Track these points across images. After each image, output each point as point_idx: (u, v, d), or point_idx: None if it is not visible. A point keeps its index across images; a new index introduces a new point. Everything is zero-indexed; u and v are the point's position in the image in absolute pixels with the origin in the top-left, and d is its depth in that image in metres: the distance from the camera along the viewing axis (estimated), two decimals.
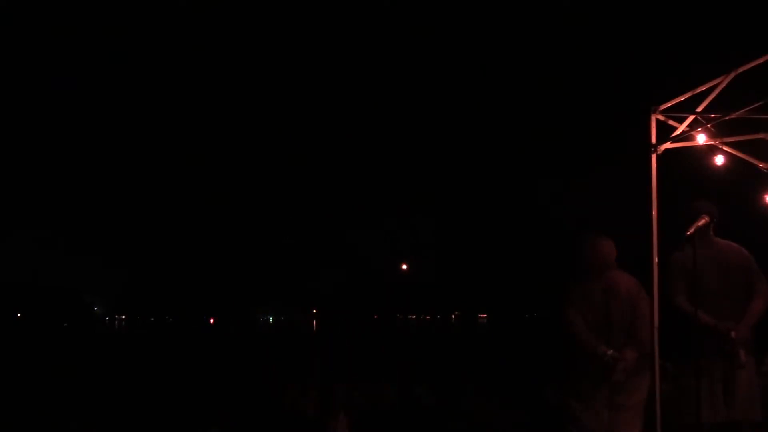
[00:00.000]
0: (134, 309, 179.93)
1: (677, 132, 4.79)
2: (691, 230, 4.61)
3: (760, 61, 4.13)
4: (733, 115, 4.36)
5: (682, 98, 4.67)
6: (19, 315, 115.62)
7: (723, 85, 4.43)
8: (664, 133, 4.83)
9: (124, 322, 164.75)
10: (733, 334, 4.60)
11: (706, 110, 4.65)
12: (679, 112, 4.79)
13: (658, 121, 4.81)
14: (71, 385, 7.36)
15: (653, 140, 4.76)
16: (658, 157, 4.76)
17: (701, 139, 4.87)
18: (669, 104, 4.75)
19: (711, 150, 4.97)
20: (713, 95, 4.52)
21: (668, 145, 4.79)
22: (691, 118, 4.75)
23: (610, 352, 4.41)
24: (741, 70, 4.31)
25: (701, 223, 4.79)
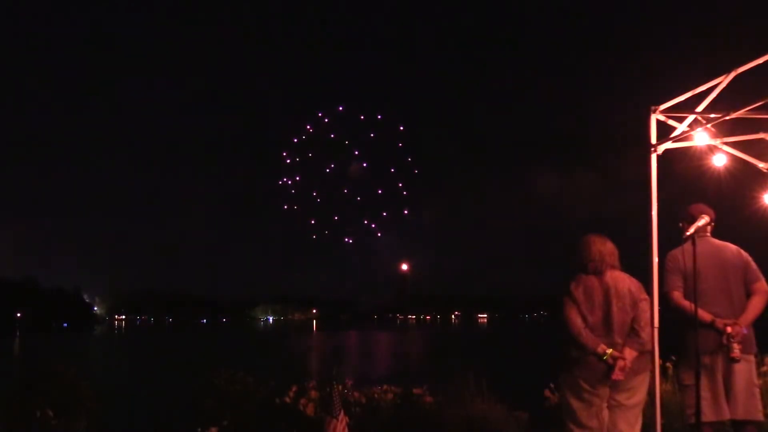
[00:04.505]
0: (134, 309, 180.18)
1: (677, 132, 4.79)
2: (692, 230, 4.62)
3: (760, 61, 4.13)
4: (733, 115, 4.36)
5: (682, 98, 4.67)
6: (19, 315, 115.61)
7: (723, 85, 4.43)
8: (664, 133, 4.83)
9: (123, 323, 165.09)
10: (728, 329, 4.61)
11: (706, 110, 4.65)
12: (679, 112, 4.79)
13: (658, 121, 4.81)
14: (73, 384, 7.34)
15: (653, 140, 4.76)
16: (658, 157, 4.76)
17: (701, 139, 4.87)
18: (669, 104, 4.75)
19: (711, 150, 4.97)
20: (713, 95, 4.52)
21: (668, 145, 4.79)
22: (691, 118, 4.75)
23: (610, 351, 4.42)
24: (741, 70, 4.31)
25: (701, 223, 4.80)
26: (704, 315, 4.68)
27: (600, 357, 4.42)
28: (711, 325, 4.69)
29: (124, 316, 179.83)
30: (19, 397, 6.98)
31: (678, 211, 5.06)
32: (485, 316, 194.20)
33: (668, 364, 6.35)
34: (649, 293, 4.64)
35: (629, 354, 4.43)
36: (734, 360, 4.60)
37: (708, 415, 4.59)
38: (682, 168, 5.04)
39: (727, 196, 5.17)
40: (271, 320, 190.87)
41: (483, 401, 7.03)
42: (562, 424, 4.71)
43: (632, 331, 4.47)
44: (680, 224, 4.97)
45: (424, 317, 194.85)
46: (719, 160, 4.97)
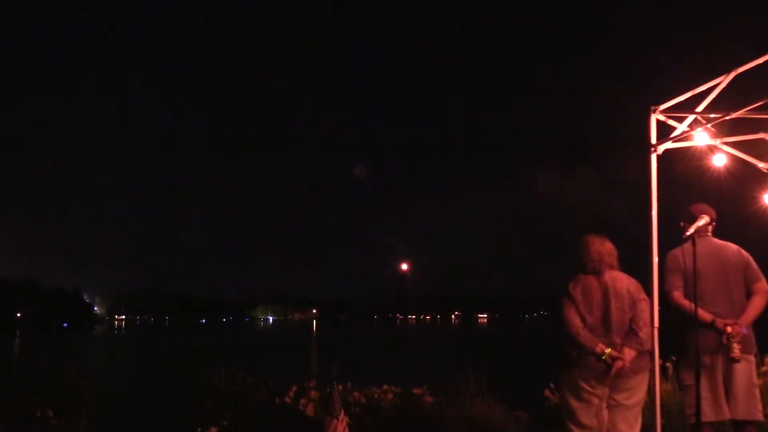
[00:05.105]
0: (134, 309, 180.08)
1: (677, 132, 4.79)
2: (692, 230, 4.61)
3: (760, 61, 4.13)
4: (733, 115, 4.35)
5: (682, 98, 4.67)
6: (19, 315, 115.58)
7: (723, 85, 4.42)
8: (664, 133, 4.83)
9: (123, 323, 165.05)
10: (728, 329, 4.61)
11: (706, 110, 4.64)
12: (679, 112, 4.79)
13: (658, 121, 4.80)
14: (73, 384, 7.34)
15: (653, 140, 4.76)
16: (658, 157, 4.76)
17: (701, 139, 4.86)
18: (669, 104, 4.75)
19: (711, 150, 4.97)
20: (713, 95, 4.51)
21: (668, 145, 4.79)
22: (691, 118, 4.75)
23: (609, 350, 4.42)
24: (741, 70, 4.31)
25: (702, 223, 4.79)
26: (704, 315, 4.68)
27: (599, 356, 4.43)
28: (711, 325, 4.69)
29: (124, 316, 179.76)
30: (19, 397, 6.98)
31: (678, 211, 5.06)
32: (485, 316, 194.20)
33: (668, 364, 6.35)
34: (649, 293, 4.64)
35: (628, 354, 4.43)
36: (734, 360, 4.60)
37: (708, 415, 4.59)
38: (682, 168, 5.04)
39: (727, 196, 5.17)
40: (271, 320, 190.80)
41: (483, 401, 7.03)
42: (562, 424, 4.71)
43: (631, 331, 4.47)
44: (681, 224, 4.96)
45: (424, 317, 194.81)
46: (719, 160, 4.97)
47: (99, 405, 7.37)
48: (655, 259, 4.71)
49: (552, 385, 6.66)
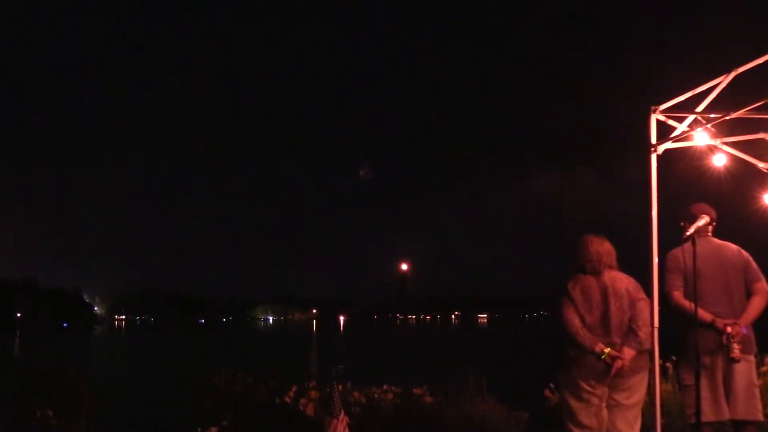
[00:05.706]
0: (134, 309, 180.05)
1: (677, 132, 4.79)
2: (692, 230, 4.61)
3: (760, 61, 4.13)
4: (733, 115, 4.35)
5: (682, 98, 4.67)
6: (19, 315, 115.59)
7: (723, 85, 4.42)
8: (664, 133, 4.82)
9: (123, 323, 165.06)
10: (728, 329, 4.61)
11: (706, 110, 4.64)
12: (679, 112, 4.79)
13: (658, 121, 4.80)
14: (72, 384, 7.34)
15: (653, 140, 4.76)
16: (658, 157, 4.76)
17: (701, 139, 4.86)
18: (669, 104, 4.74)
19: (711, 150, 4.97)
20: (713, 95, 4.51)
21: (668, 145, 4.79)
22: (691, 118, 4.75)
23: (608, 350, 4.43)
24: (741, 70, 4.30)
25: (702, 223, 4.79)
26: (704, 315, 4.68)
27: (598, 356, 4.43)
28: (711, 325, 4.69)
29: (124, 316, 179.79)
30: (19, 397, 6.98)
31: (678, 211, 5.06)
32: (485, 316, 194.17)
33: (668, 364, 6.35)
34: (649, 293, 4.64)
35: (627, 353, 4.44)
36: (734, 360, 4.60)
37: (708, 415, 4.59)
38: (682, 168, 5.03)
39: (727, 196, 5.16)
40: (271, 320, 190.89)
41: (483, 401, 7.02)
42: (562, 424, 4.71)
43: (630, 331, 4.48)
44: (681, 224, 4.96)
45: (424, 317, 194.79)
46: (719, 160, 4.97)
47: (99, 405, 7.37)
48: (655, 259, 4.71)
49: (552, 385, 6.66)
